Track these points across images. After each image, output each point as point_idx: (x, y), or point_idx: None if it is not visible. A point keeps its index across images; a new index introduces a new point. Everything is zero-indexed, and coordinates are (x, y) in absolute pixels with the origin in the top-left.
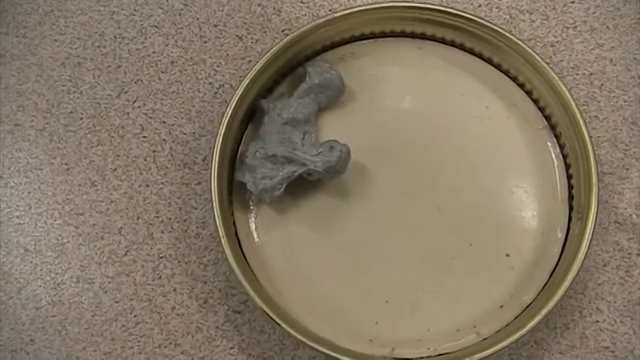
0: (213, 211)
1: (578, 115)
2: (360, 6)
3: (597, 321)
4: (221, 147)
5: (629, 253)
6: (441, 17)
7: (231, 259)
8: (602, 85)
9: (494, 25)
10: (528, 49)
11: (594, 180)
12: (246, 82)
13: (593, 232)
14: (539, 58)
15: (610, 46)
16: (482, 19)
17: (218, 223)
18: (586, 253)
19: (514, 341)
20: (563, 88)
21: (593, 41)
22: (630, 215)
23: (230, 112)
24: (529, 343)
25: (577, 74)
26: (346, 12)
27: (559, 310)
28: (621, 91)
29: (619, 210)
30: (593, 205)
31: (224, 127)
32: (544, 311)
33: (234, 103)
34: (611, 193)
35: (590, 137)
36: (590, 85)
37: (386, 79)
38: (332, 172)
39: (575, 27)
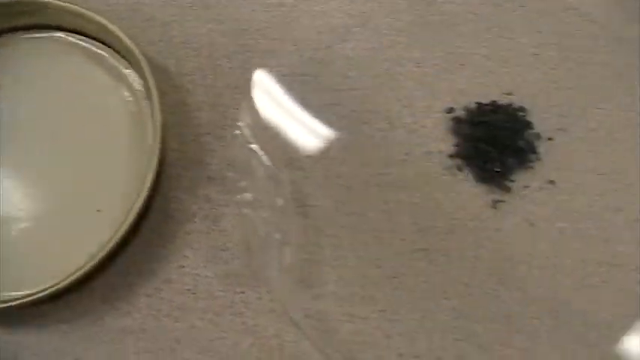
0: None
1: (151, 83)
2: None
3: (183, 266)
4: None
5: (218, 205)
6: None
7: None
8: (209, 55)
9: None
10: (112, 26)
11: (150, 142)
12: None
13: (150, 190)
14: (122, 36)
15: (219, 20)
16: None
17: None
18: (139, 211)
19: (78, 280)
20: (143, 65)
21: (205, 17)
22: (221, 170)
23: None
24: (121, 288)
25: (187, 48)
26: None
27: (147, 257)
28: (226, 60)
29: (212, 166)
30: (151, 168)
31: None
32: (100, 255)
33: None
34: (206, 151)
35: (157, 102)
36: (198, 56)
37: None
38: None
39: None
